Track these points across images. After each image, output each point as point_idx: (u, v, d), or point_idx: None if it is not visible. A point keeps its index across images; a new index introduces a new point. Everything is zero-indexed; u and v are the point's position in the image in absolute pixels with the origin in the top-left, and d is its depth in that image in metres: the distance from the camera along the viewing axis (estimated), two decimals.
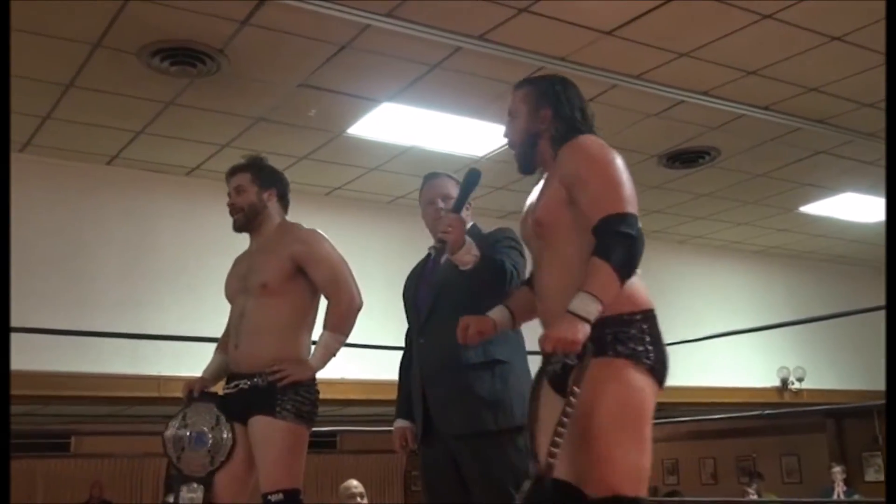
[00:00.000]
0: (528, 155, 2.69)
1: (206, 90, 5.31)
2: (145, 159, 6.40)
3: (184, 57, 4.86)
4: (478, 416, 2.94)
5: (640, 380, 2.32)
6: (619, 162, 2.45)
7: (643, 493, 2.26)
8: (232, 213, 3.37)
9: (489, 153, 6.44)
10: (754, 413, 7.38)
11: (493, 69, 5.16)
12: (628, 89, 5.40)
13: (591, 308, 2.22)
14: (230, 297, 3.37)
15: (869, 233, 8.73)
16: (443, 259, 3.15)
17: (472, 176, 2.84)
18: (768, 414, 8.27)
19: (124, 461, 12.39)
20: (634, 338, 2.34)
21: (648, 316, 2.40)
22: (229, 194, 3.39)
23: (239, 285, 3.31)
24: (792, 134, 6.35)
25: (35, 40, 4.64)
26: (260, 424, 3.12)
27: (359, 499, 6.20)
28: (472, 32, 4.74)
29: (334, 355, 3.28)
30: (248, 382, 3.18)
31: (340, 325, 3.24)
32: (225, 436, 3.12)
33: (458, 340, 2.62)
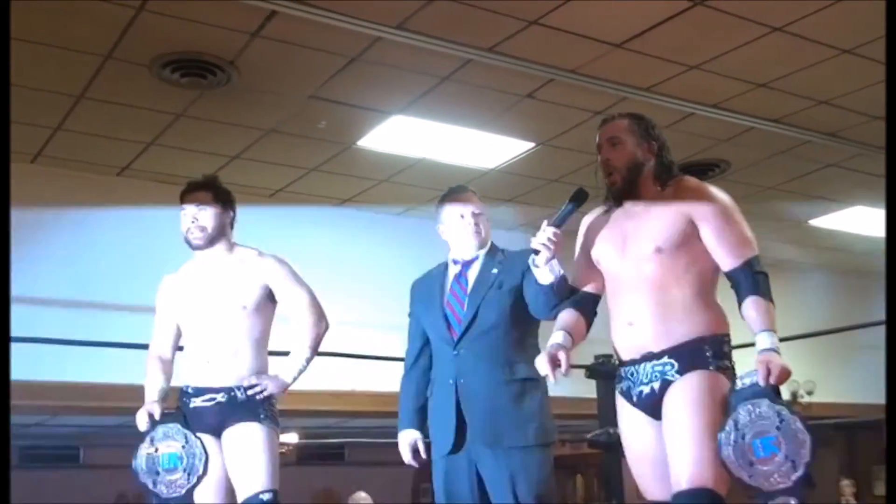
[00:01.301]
0: (631, 181, 2.78)
1: (217, 102, 5.33)
2: (156, 170, 6.41)
3: (195, 69, 4.88)
4: (514, 431, 3.03)
5: (726, 387, 2.58)
6: (736, 204, 2.77)
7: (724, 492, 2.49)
8: (195, 234, 3.39)
9: (499, 165, 6.45)
10: None
11: (503, 81, 5.17)
12: (638, 102, 5.39)
13: (777, 342, 2.57)
14: (189, 318, 3.38)
15: (879, 246, 8.68)
16: (470, 271, 3.22)
17: (581, 196, 2.85)
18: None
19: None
20: (726, 355, 2.65)
21: (730, 338, 2.70)
22: (187, 213, 3.41)
23: (198, 310, 3.36)
24: (802, 147, 6.34)
25: (46, 51, 4.66)
26: (244, 430, 3.23)
27: None
28: (483, 45, 4.74)
29: (303, 371, 3.44)
30: (225, 395, 3.27)
31: (317, 345, 3.43)
32: (197, 451, 3.14)
33: (550, 376, 2.67)
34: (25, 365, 5.29)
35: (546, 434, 3.09)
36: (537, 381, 3.09)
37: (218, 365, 3.30)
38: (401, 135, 5.93)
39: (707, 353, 2.60)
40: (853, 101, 5.58)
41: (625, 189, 2.78)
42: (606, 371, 4.51)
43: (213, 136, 5.85)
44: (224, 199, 3.44)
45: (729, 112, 5.68)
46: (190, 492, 3.11)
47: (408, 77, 5.13)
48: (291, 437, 9.35)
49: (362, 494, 6.34)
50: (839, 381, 9.65)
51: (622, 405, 2.76)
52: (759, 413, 2.41)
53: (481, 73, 5.05)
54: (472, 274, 3.23)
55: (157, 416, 3.23)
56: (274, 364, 3.43)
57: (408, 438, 3.28)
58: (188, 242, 3.42)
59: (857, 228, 8.36)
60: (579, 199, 2.84)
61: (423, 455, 3.24)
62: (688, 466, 2.46)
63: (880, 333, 5.56)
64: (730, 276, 2.65)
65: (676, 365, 2.57)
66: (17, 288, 5.07)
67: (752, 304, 2.58)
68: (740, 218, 2.74)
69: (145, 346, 5.84)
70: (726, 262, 2.65)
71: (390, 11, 4.41)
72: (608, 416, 4.22)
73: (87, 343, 5.53)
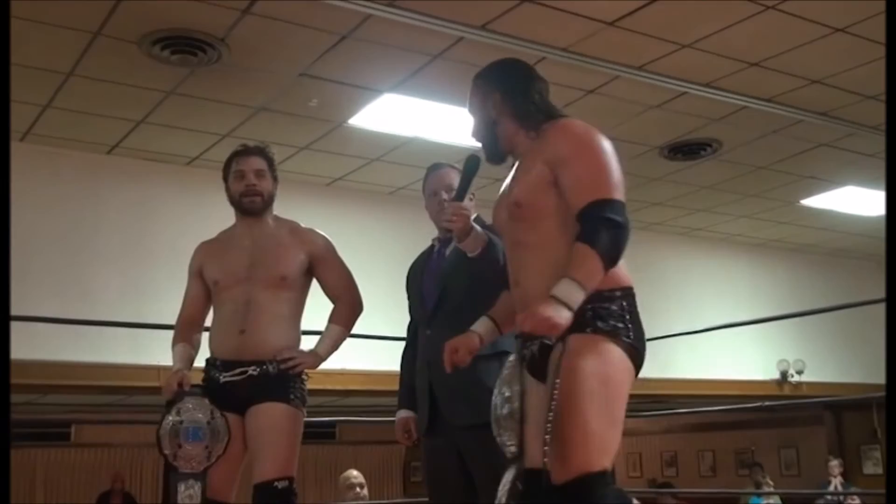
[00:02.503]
0: (492, 143, 2.61)
1: (207, 79, 5.30)
2: (146, 149, 6.39)
3: (185, 46, 4.85)
4: (487, 407, 2.93)
5: (620, 358, 2.29)
6: (608, 146, 2.38)
7: (609, 465, 2.22)
8: (252, 195, 3.32)
9: None
10: (753, 406, 7.38)
11: (495, 59, 5.14)
12: (630, 80, 5.39)
13: (575, 296, 2.17)
14: (227, 284, 3.28)
15: (870, 226, 8.72)
16: (448, 250, 3.16)
17: (471, 162, 2.76)
18: (767, 406, 8.26)
19: (124, 450, 12.40)
20: (615, 315, 2.31)
21: (628, 293, 2.36)
22: (245, 174, 3.33)
23: (240, 275, 3.26)
24: (794, 126, 6.34)
25: (35, 29, 4.63)
26: (272, 411, 3.14)
27: (358, 489, 6.19)
28: (474, 22, 4.72)
29: (337, 349, 3.38)
30: (258, 369, 3.17)
31: (350, 322, 3.40)
32: (221, 430, 3.03)
33: (445, 365, 2.60)
34: (16, 344, 5.29)
35: None
36: (509, 354, 3.04)
37: (253, 335, 3.19)
38: (392, 113, 5.91)
39: (587, 313, 2.26)
40: (846, 80, 5.57)
41: (493, 153, 2.62)
42: None
43: (204, 113, 5.82)
44: (275, 170, 3.42)
45: (721, 91, 5.67)
46: (206, 470, 3.00)
47: (399, 55, 5.11)
48: None
49: (354, 473, 6.34)
50: (829, 360, 9.70)
51: (521, 368, 2.51)
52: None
53: (473, 51, 5.03)
54: (448, 253, 3.19)
55: (186, 387, 3.06)
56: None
57: (401, 419, 3.29)
58: (241, 206, 3.34)
59: (849, 208, 8.37)
60: (472, 166, 2.75)
61: (414, 435, 3.24)
62: (558, 452, 2.19)
63: (870, 313, 5.60)
64: (578, 223, 2.28)
65: None
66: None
67: (574, 250, 2.22)
68: (605, 157, 2.34)
69: (136, 325, 5.88)
70: (574, 206, 2.30)
71: None
72: None
73: (78, 322, 5.53)
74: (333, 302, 3.43)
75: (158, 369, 6.25)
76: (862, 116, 6.13)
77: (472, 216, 2.99)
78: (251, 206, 3.32)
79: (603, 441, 2.21)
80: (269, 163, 3.39)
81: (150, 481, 12.42)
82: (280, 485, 3.08)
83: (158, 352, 6.17)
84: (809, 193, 7.99)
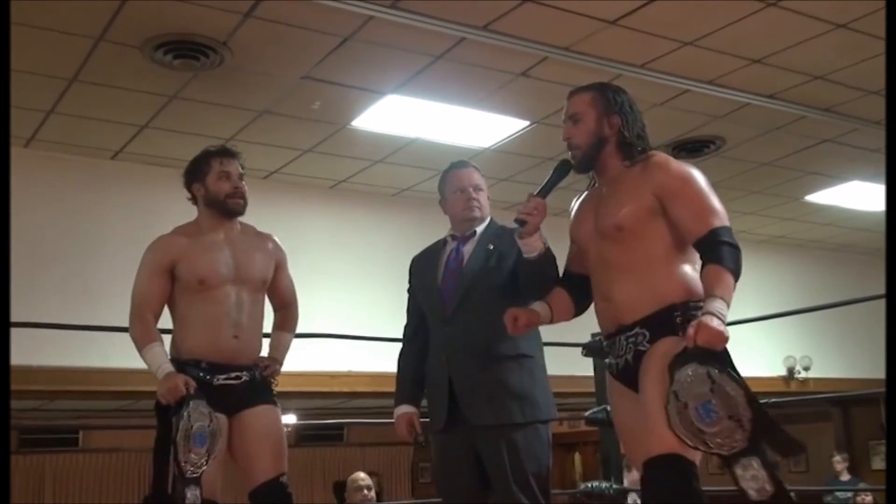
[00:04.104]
0: (591, 158, 2.77)
1: (210, 83, 5.30)
2: (149, 153, 6.39)
3: (187, 50, 4.86)
4: (508, 408, 3.01)
5: None
6: (705, 179, 2.68)
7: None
8: (238, 196, 3.31)
9: (494, 144, 6.44)
10: (761, 402, 7.37)
11: (497, 59, 5.15)
12: (633, 79, 5.38)
13: (724, 310, 2.43)
14: (215, 283, 3.23)
15: (875, 221, 8.71)
16: (467, 248, 3.20)
17: (564, 167, 2.84)
18: (774, 402, 8.22)
19: (132, 456, 12.41)
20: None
21: (701, 305, 2.55)
22: (231, 175, 3.30)
23: (227, 275, 3.25)
24: (797, 122, 6.33)
25: (38, 34, 4.64)
26: (268, 413, 3.25)
27: (366, 491, 6.20)
28: (476, 23, 4.72)
29: None
30: (248, 375, 3.24)
31: (295, 329, 3.52)
32: (218, 432, 3.04)
33: (507, 329, 2.79)
34: (24, 349, 5.30)
35: (541, 411, 3.07)
36: (532, 357, 3.10)
37: (245, 341, 3.24)
38: (395, 115, 5.91)
39: (677, 319, 2.56)
40: (848, 75, 5.56)
41: (586, 165, 2.80)
42: (602, 349, 4.51)
43: (207, 117, 5.83)
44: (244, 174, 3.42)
45: (724, 88, 5.67)
46: (202, 473, 2.99)
47: (401, 56, 5.11)
48: (290, 419, 9.38)
49: (362, 475, 6.35)
50: (836, 356, 9.68)
51: (610, 380, 2.79)
52: (691, 378, 2.35)
53: (475, 52, 5.04)
54: (468, 250, 3.21)
55: (192, 389, 3.03)
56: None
57: (403, 414, 3.27)
58: (224, 206, 3.29)
59: (853, 203, 8.37)
60: (563, 170, 2.83)
61: (419, 430, 3.23)
62: (652, 433, 2.45)
63: (876, 308, 5.57)
64: (696, 247, 2.61)
65: (647, 334, 2.57)
66: (13, 273, 5.07)
67: (708, 272, 2.53)
68: (708, 189, 2.67)
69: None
70: (691, 233, 2.61)
71: None
72: (604, 393, 4.23)
73: (85, 327, 5.53)
74: (281, 308, 3.52)
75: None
76: (865, 112, 6.12)
77: (487, 219, 3.22)
78: (236, 207, 3.32)
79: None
80: (242, 167, 3.39)
81: None
82: (284, 479, 3.20)
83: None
84: (814, 189, 7.98)
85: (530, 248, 2.84)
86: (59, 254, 6.18)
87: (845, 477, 9.98)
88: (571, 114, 2.80)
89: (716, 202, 2.64)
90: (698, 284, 2.60)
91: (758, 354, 9.05)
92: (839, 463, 10.05)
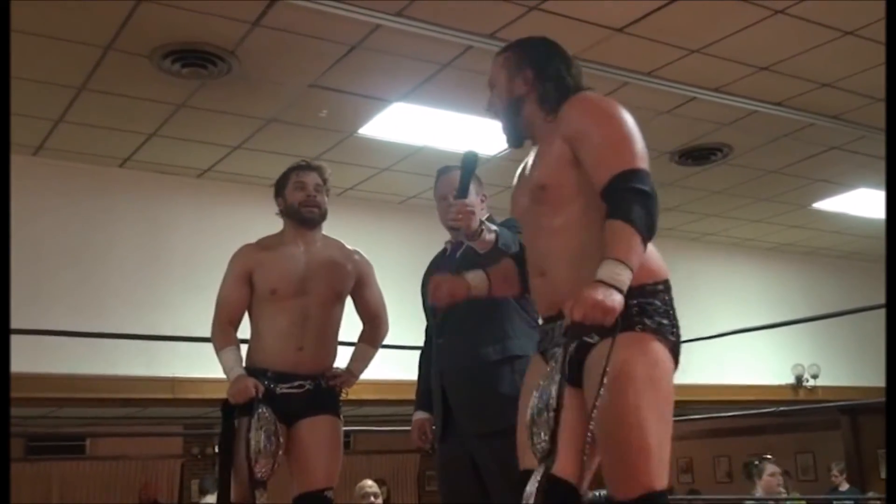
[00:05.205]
0: (514, 124, 2.47)
1: (218, 92, 5.32)
2: (157, 161, 6.41)
3: (195, 59, 4.87)
4: (500, 414, 2.89)
5: (666, 357, 2.15)
6: (628, 116, 2.23)
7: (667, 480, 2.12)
8: (312, 205, 3.40)
9: (501, 152, 6.43)
10: (769, 410, 7.36)
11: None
12: (640, 87, 5.38)
13: (622, 276, 1.97)
14: (284, 294, 3.31)
15: (883, 229, 8.68)
16: (457, 254, 3.16)
17: (467, 158, 2.74)
18: (783, 411, 8.24)
19: (139, 463, 12.42)
20: (659, 310, 2.16)
21: (668, 286, 2.23)
22: (306, 185, 3.41)
23: (298, 287, 3.32)
24: (805, 130, 6.32)
25: (47, 43, 4.65)
26: (326, 423, 3.32)
27: (372, 498, 6.20)
28: (483, 31, 4.73)
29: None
30: (312, 384, 3.30)
31: (379, 344, 3.58)
32: (281, 440, 3.14)
33: (431, 300, 2.65)
34: (31, 357, 5.31)
35: None
36: (522, 357, 2.95)
37: (310, 352, 3.31)
38: (402, 123, 5.92)
39: (633, 308, 2.09)
40: (856, 83, 5.55)
41: (512, 133, 2.48)
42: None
43: (215, 126, 5.84)
44: (329, 189, 3.51)
45: (731, 96, 5.66)
46: (269, 477, 3.10)
47: (408, 64, 5.12)
48: None
49: (369, 482, 6.35)
50: (844, 364, 9.65)
51: (538, 363, 2.31)
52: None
53: (482, 60, 5.01)
54: (459, 258, 3.18)
55: (261, 394, 3.14)
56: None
57: (416, 420, 3.30)
58: (299, 214, 3.40)
59: (861, 211, 8.34)
60: (469, 161, 2.72)
61: (430, 437, 3.24)
62: (620, 468, 2.05)
63: (884, 316, 5.57)
64: (603, 199, 2.12)
65: None
66: (22, 280, 5.09)
67: (606, 228, 2.04)
68: (622, 127, 2.19)
69: (150, 338, 5.89)
70: (597, 182, 2.13)
71: None
72: None
73: (93, 335, 5.55)
74: (366, 322, 3.58)
75: (173, 381, 6.28)
76: (873, 119, 6.11)
77: (484, 216, 3.00)
78: (310, 215, 3.40)
79: (662, 455, 2.08)
80: (325, 181, 3.48)
81: (165, 494, 12.43)
82: (329, 493, 3.25)
83: (173, 364, 6.22)
84: (821, 197, 7.96)
85: (482, 246, 2.77)
86: (66, 261, 6.19)
87: (844, 487, 9.95)
88: (488, 82, 2.51)
89: (632, 141, 2.17)
90: (658, 262, 2.22)
91: (766, 362, 9.03)
92: (836, 476, 10.04)
